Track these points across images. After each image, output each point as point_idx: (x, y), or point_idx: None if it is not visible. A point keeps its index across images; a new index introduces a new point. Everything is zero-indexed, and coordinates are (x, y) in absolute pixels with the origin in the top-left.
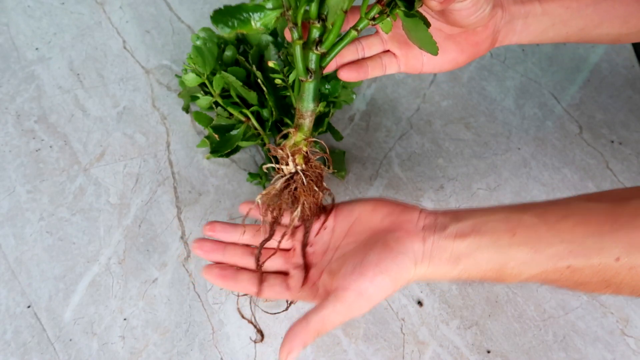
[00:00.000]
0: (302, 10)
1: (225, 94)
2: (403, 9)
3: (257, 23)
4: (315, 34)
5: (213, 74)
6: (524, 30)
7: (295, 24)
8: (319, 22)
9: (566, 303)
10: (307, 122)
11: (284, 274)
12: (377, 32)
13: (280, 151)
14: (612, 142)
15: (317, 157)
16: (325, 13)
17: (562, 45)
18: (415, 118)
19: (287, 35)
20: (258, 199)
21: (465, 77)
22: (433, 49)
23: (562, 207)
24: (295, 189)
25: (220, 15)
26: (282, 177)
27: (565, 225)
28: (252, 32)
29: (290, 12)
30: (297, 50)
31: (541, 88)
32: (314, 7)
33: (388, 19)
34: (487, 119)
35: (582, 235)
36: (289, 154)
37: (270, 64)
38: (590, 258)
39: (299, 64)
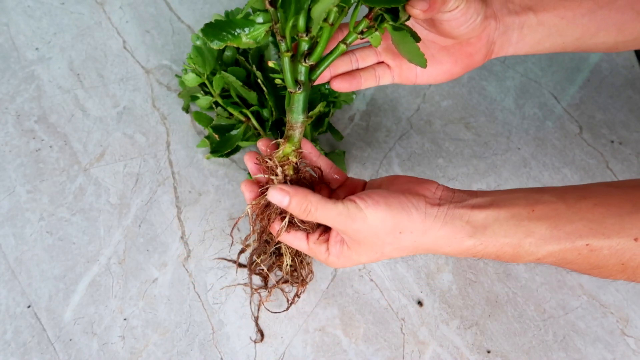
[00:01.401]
0: (290, 24)
1: (225, 94)
2: (391, 22)
3: (247, 37)
4: (304, 46)
5: (213, 74)
6: (520, 41)
7: (284, 37)
8: (306, 35)
9: (566, 303)
10: (297, 133)
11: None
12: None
13: (269, 161)
14: (612, 142)
15: (308, 167)
16: (312, 26)
17: None
18: (415, 118)
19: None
20: (248, 208)
21: (465, 77)
22: (421, 62)
23: (581, 189)
24: None
25: (211, 29)
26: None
27: (585, 205)
28: (242, 45)
29: (278, 25)
30: (286, 62)
31: (541, 88)
32: (301, 21)
33: (376, 32)
34: (487, 119)
35: (602, 215)
36: (277, 165)
37: (270, 64)
38: (609, 237)
39: (288, 76)
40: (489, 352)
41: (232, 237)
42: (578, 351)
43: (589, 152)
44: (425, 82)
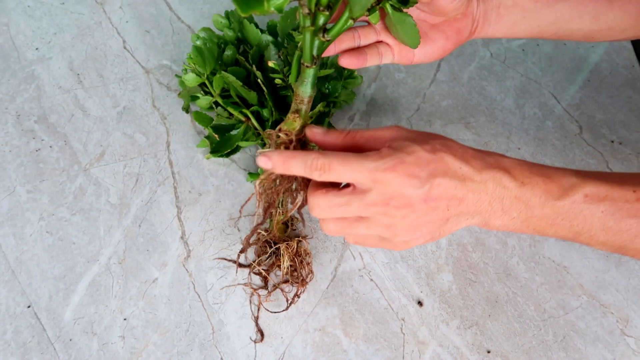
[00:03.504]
0: None
1: (225, 94)
2: (396, 4)
3: (270, 4)
4: (321, 20)
5: (213, 74)
6: (498, 21)
7: (310, 11)
8: (327, 10)
9: (566, 303)
10: (305, 107)
11: None
12: (369, 24)
13: (282, 136)
14: (612, 142)
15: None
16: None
17: (562, 45)
18: (415, 118)
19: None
20: (257, 183)
21: (465, 77)
22: (415, 42)
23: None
24: None
25: None
26: None
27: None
28: (264, 12)
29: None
30: (307, 37)
31: (541, 88)
32: None
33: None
34: (487, 119)
35: None
36: (294, 138)
37: (270, 64)
38: None
39: (307, 51)
40: (489, 352)
41: (240, 212)
42: (578, 351)
43: (589, 152)
44: (421, 61)
